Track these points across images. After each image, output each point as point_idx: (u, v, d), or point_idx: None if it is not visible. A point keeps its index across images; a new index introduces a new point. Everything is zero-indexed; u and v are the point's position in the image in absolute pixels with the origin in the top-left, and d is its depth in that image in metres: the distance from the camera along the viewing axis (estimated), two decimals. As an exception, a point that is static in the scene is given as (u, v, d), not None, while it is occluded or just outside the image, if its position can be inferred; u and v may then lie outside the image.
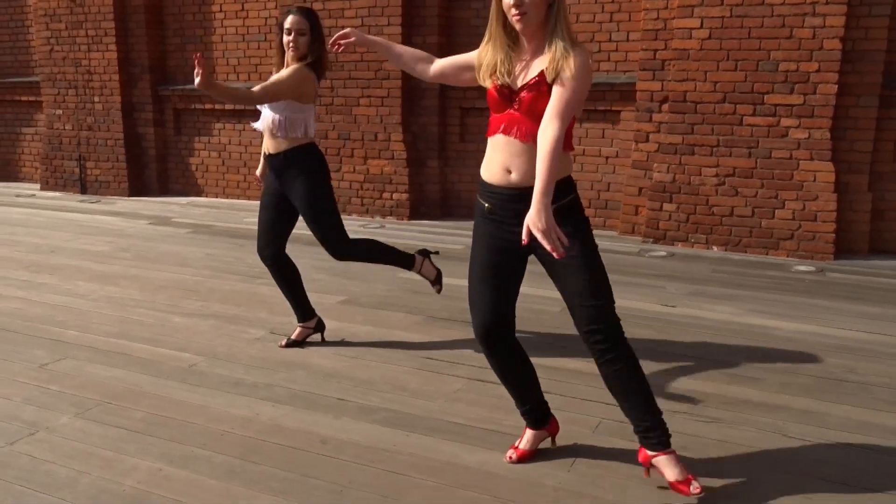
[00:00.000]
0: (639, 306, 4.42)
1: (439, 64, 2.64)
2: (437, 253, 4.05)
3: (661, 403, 2.37)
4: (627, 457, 2.58)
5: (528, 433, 2.65)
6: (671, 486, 2.33)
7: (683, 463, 2.36)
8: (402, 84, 7.15)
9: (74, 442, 2.72)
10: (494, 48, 2.36)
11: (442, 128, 7.33)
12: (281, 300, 3.99)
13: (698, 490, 2.29)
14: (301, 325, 3.80)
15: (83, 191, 9.01)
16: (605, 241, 6.30)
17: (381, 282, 4.93)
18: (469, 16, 7.11)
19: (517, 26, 2.28)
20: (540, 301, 4.35)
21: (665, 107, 6.20)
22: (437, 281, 3.95)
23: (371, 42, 2.75)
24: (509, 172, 2.34)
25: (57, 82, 8.93)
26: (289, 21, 3.46)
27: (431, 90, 7.21)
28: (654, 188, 6.19)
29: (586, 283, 2.29)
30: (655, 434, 2.35)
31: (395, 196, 7.29)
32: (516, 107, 2.31)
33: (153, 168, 8.83)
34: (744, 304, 4.49)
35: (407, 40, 7.05)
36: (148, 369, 3.43)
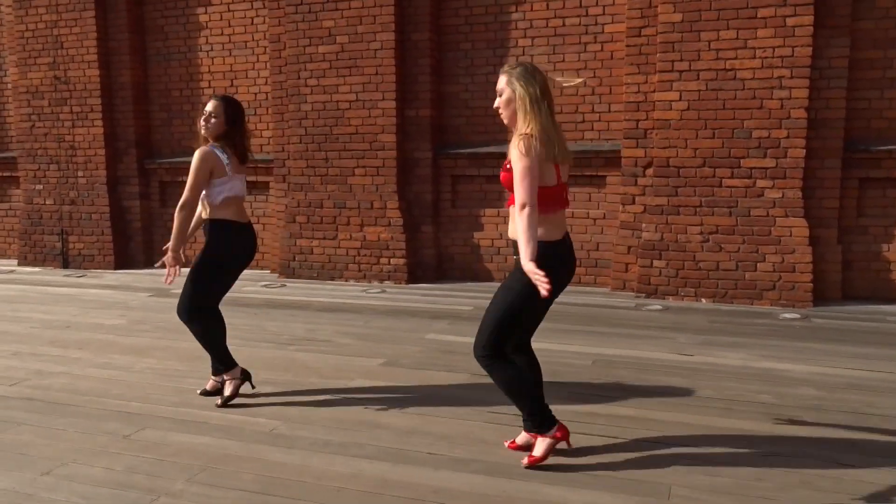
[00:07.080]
0: (660, 356, 4.79)
1: None
2: (253, 387, 4.24)
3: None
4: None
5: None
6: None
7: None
8: (398, 154, 7.51)
9: (201, 505, 2.86)
10: None
11: (435, 195, 7.70)
12: (324, 364, 4.20)
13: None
14: (217, 377, 4.15)
15: (65, 265, 8.95)
16: (599, 297, 6.71)
17: (409, 343, 5.17)
18: (458, 90, 7.58)
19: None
20: (571, 356, 4.68)
21: (650, 171, 6.73)
22: (226, 395, 4.04)
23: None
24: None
25: (37, 157, 8.95)
26: (207, 106, 3.98)
27: (424, 160, 7.60)
28: (645, 247, 6.67)
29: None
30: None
31: (392, 261, 7.56)
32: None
33: (139, 240, 8.89)
34: (753, 351, 4.92)
35: (400, 114, 7.47)
36: (231, 434, 3.57)
